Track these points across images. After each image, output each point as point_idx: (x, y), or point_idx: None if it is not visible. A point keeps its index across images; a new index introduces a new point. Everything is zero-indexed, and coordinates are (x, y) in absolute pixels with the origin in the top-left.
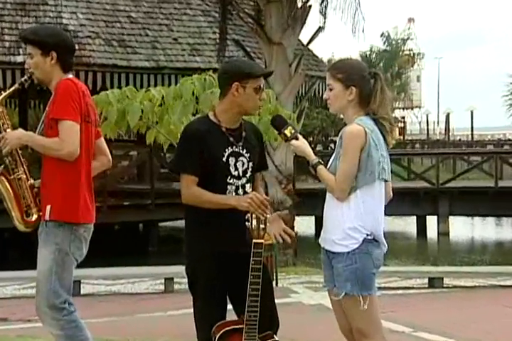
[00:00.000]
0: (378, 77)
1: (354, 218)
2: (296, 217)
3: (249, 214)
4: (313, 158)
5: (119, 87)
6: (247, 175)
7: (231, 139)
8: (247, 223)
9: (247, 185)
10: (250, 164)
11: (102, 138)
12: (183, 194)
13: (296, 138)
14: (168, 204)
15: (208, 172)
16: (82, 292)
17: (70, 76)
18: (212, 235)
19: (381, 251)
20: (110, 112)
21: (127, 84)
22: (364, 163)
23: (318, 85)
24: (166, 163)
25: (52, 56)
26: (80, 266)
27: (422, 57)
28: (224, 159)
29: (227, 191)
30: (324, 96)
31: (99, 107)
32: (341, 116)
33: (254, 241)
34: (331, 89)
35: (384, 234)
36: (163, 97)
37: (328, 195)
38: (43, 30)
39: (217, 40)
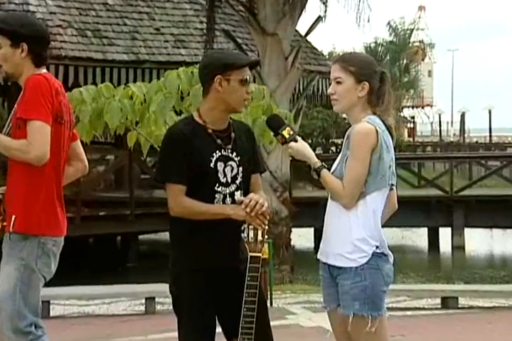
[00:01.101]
0: (386, 77)
1: (362, 228)
2: (293, 229)
3: (245, 225)
4: (316, 161)
5: (94, 83)
6: (237, 182)
7: (219, 142)
8: (242, 234)
9: (237, 193)
10: (240, 169)
11: (79, 142)
12: (172, 206)
13: (295, 140)
14: (149, 214)
15: (193, 180)
16: (51, 314)
17: (44, 71)
18: (201, 248)
19: (390, 266)
20: (83, 112)
21: (103, 79)
22: (375, 165)
23: (318, 81)
24: (147, 167)
25: (23, 48)
26: (49, 284)
27: (432, 47)
28: (212, 165)
29: (215, 200)
30: (329, 90)
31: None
32: (344, 115)
33: (250, 254)
34: (339, 83)
35: (389, 247)
36: (144, 95)
37: (330, 203)
38: (14, 19)
39: (205, 31)
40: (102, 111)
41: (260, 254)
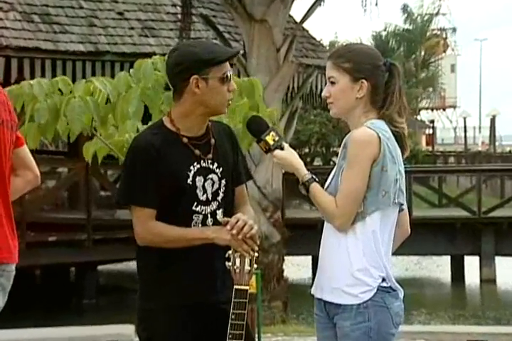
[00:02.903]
0: (395, 70)
1: (364, 256)
2: (287, 258)
3: (230, 252)
4: (305, 173)
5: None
6: (219, 198)
7: (196, 152)
8: (227, 263)
9: (219, 212)
10: (223, 182)
11: (25, 147)
12: (139, 233)
13: (281, 148)
14: (110, 240)
15: (166, 200)
16: None
17: None
18: (177, 280)
19: (401, 303)
20: (39, 111)
21: (54, 74)
22: (376, 179)
23: (317, 77)
24: (108, 183)
25: None
26: None
27: (454, 32)
28: (189, 180)
29: (193, 222)
30: (323, 93)
31: (17, 104)
32: (342, 117)
33: (236, 287)
34: (333, 83)
35: (402, 280)
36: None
37: (326, 225)
38: None
39: (179, 16)
40: (58, 111)
41: (248, 287)
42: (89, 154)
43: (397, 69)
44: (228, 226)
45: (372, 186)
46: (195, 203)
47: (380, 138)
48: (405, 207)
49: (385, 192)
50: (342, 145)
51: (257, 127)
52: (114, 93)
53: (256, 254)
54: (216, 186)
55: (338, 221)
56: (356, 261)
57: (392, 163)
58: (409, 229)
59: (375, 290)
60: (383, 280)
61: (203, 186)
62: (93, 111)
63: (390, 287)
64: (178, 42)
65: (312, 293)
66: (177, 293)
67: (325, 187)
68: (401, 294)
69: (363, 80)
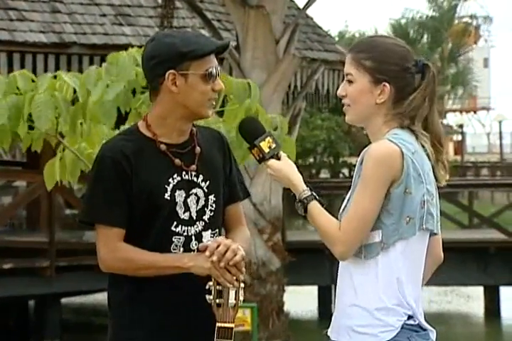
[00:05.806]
0: (428, 72)
1: (384, 293)
2: (288, 288)
3: (210, 283)
4: (303, 189)
5: None
6: (205, 218)
7: (177, 161)
8: (207, 296)
9: (205, 234)
10: (211, 198)
11: None
12: (102, 256)
13: (278, 157)
14: (77, 267)
15: (139, 219)
16: None
17: None
18: (152, 317)
19: None
20: None
21: (10, 70)
22: (398, 203)
23: (323, 74)
24: (74, 199)
25: None
26: None
27: (489, 22)
28: (167, 195)
29: (173, 245)
30: (339, 91)
31: None
32: (359, 125)
33: (218, 325)
34: (350, 82)
35: (425, 316)
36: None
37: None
38: None
39: (160, 1)
40: (21, 110)
41: (232, 325)
42: (54, 177)
43: (431, 71)
44: (207, 252)
45: (393, 211)
46: (175, 223)
47: (402, 153)
48: (438, 231)
49: (409, 219)
50: (358, 161)
51: (250, 130)
52: (82, 91)
53: (242, 285)
54: (202, 203)
55: (340, 248)
56: (375, 299)
57: (418, 182)
58: (442, 254)
59: (399, 329)
60: (409, 317)
61: (185, 202)
62: (62, 108)
63: (419, 325)
64: (157, 32)
65: (328, 334)
66: (153, 333)
67: (340, 211)
68: (433, 335)
69: (385, 83)
